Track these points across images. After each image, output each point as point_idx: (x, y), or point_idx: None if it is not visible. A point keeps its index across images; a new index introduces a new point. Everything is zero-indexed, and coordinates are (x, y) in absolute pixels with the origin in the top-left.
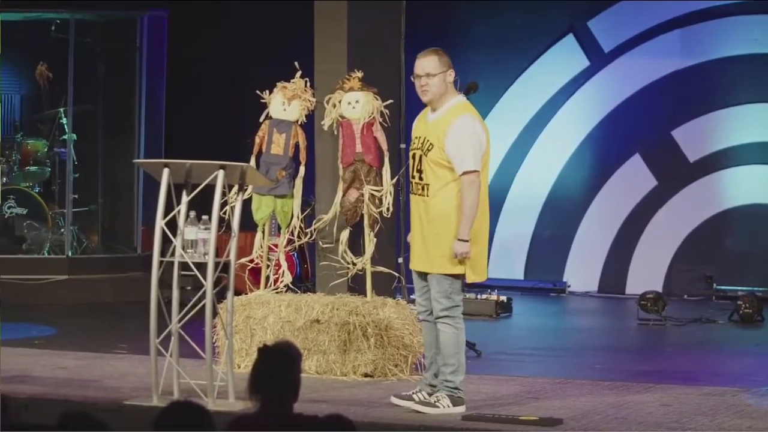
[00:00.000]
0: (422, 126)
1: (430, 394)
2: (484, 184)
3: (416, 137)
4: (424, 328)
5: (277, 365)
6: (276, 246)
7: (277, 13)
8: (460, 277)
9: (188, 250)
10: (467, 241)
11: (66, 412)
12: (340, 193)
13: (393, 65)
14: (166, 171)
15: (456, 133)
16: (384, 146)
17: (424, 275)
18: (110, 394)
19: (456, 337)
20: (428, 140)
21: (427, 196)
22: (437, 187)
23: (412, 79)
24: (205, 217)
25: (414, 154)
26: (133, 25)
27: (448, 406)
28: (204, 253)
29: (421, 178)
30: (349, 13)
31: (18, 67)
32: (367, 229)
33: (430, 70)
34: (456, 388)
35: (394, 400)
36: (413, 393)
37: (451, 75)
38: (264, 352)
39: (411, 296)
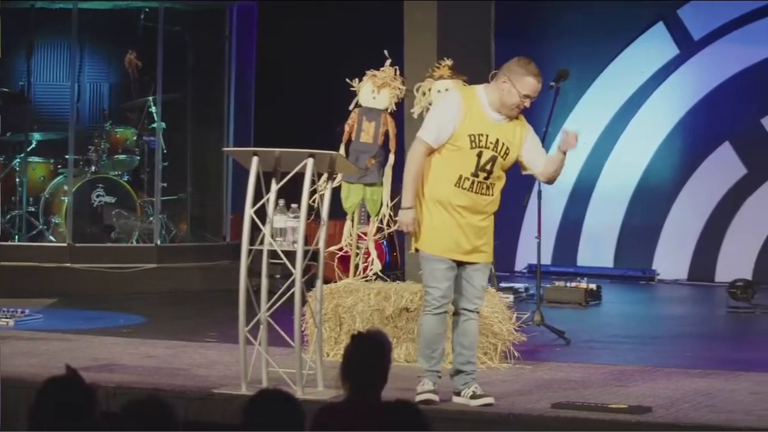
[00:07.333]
0: (485, 124)
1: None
2: None
3: (481, 134)
4: (444, 321)
5: (370, 353)
6: (365, 234)
7: (366, 1)
8: None
9: (277, 239)
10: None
11: (131, 400)
12: None
13: (483, 54)
14: (255, 159)
15: (534, 136)
16: None
17: (460, 266)
18: (198, 382)
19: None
20: (504, 144)
21: (492, 195)
22: (499, 186)
23: (520, 98)
24: (294, 205)
25: (481, 153)
26: (222, 15)
27: None
28: (293, 242)
29: (487, 177)
30: (438, 1)
31: (107, 56)
32: None
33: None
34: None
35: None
36: (461, 391)
37: None
38: (357, 338)
39: (500, 284)
